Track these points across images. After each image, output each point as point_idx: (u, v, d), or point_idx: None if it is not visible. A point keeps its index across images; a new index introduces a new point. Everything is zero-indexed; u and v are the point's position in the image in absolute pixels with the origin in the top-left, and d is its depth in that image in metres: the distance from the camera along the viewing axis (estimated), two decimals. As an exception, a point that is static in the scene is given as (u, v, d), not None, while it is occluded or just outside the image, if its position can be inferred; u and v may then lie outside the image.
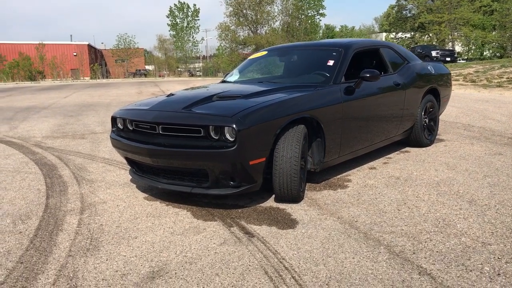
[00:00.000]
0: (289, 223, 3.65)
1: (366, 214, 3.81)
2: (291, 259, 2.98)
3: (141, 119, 4.17)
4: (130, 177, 4.68)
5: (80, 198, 4.50)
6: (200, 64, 70.00)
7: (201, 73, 58.84)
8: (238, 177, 3.80)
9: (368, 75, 4.76)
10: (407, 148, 6.29)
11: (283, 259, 2.99)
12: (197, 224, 3.70)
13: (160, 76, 58.18)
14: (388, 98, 5.38)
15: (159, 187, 4.16)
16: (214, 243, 3.29)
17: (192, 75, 58.37)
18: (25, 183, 5.12)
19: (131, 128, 4.40)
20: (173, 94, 4.74)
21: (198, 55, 75.74)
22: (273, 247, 3.18)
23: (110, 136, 4.61)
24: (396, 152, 6.08)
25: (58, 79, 49.72)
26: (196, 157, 3.74)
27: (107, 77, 55.07)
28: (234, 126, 3.60)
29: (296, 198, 4.05)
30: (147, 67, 71.30)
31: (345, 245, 3.18)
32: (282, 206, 4.07)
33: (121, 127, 4.54)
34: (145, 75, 58.55)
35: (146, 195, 4.54)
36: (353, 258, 2.98)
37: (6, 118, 11.72)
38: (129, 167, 4.73)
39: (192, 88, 5.36)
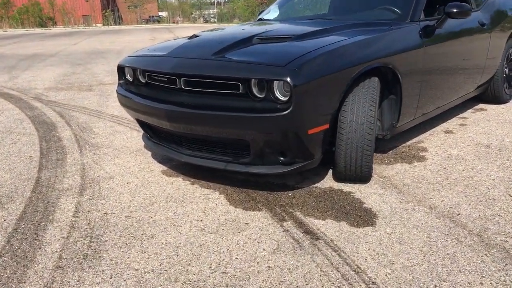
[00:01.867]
0: (363, 216, 2.61)
1: (468, 203, 2.75)
2: (386, 285, 1.96)
3: (157, 69, 3.09)
4: (144, 143, 3.67)
5: (80, 171, 3.50)
6: (215, 10, 67.55)
7: (215, 19, 56.71)
8: (291, 151, 2.74)
9: (455, 10, 3.56)
10: (481, 105, 5.14)
11: (373, 283, 1.98)
12: (235, 215, 2.68)
13: (173, 22, 56.17)
14: (472, 43, 4.19)
15: (181, 160, 3.13)
16: (264, 250, 2.29)
17: (206, 21, 56.29)
18: (15, 148, 4.14)
19: (143, 81, 3.33)
20: (197, 36, 3.61)
21: (212, 0, 73.05)
22: (352, 260, 2.16)
23: (117, 91, 3.55)
24: (470, 111, 4.93)
25: (70, 25, 48.21)
26: (231, 123, 2.69)
27: (119, 24, 53.35)
28: (288, 79, 2.50)
29: (366, 177, 3.00)
30: (160, 13, 69.04)
31: (459, 258, 2.15)
32: (346, 187, 3.03)
33: (131, 80, 3.47)
34: (159, 22, 56.59)
35: (165, 168, 3.53)
36: (481, 284, 1.95)
37: (8, 66, 10.68)
38: (142, 131, 3.69)
39: (222, 29, 4.20)
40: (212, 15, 64.46)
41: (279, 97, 2.62)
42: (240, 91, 2.71)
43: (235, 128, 2.71)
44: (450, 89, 4.01)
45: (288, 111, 2.53)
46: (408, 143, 3.93)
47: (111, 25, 49.44)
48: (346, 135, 2.83)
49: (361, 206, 2.74)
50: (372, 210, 2.68)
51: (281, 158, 2.80)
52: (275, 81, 2.61)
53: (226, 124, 2.72)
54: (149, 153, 3.89)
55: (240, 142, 2.83)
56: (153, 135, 3.47)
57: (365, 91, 2.89)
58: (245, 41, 3.08)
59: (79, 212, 2.79)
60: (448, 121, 4.55)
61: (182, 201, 2.91)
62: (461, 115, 4.71)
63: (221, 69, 2.77)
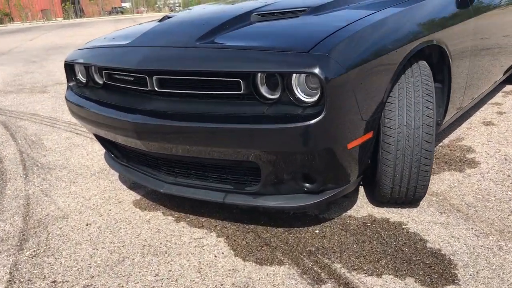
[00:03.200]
0: (434, 265, 1.79)
1: None
2: None
3: (118, 65, 2.17)
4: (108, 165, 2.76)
5: (23, 209, 2.57)
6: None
7: (180, 7, 55.10)
8: (321, 175, 1.88)
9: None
10: (508, 87, 4.37)
11: None
12: (246, 274, 1.82)
13: (137, 12, 54.37)
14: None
15: (161, 191, 2.23)
16: None
17: (172, 10, 54.63)
18: None
19: (100, 83, 2.41)
20: (170, 17, 2.69)
21: (177, -12, 71.15)
22: None
23: (66, 98, 2.61)
24: (500, 94, 4.16)
25: (28, 21, 45.93)
26: (230, 140, 1.83)
27: (81, 17, 51.21)
28: (317, 71, 1.64)
29: (420, 199, 2.17)
30: (123, 4, 66.82)
31: None
32: (391, 214, 2.20)
33: (84, 81, 2.54)
34: (122, 13, 54.66)
35: (138, 197, 2.63)
36: None
37: (-48, 68, 9.46)
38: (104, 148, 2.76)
39: (203, 7, 3.24)
40: (177, 4, 62.75)
41: (301, 97, 1.76)
42: (242, 91, 1.83)
43: (236, 146, 1.84)
44: (491, 72, 3.21)
45: (319, 118, 1.67)
46: (446, 141, 3.13)
47: (72, 19, 47.40)
48: (394, 145, 1.99)
49: (424, 247, 1.91)
50: (443, 252, 1.86)
51: (306, 184, 1.94)
52: (293, 75, 1.74)
53: (221, 140, 1.84)
54: (116, 175, 2.98)
55: (244, 165, 1.96)
56: (120, 155, 2.56)
57: (416, 82, 2.05)
58: (240, 18, 2.19)
59: (14, 282, 1.88)
60: (481, 109, 3.77)
61: (166, 252, 2.03)
62: (492, 101, 3.94)
63: (211, 60, 1.88)
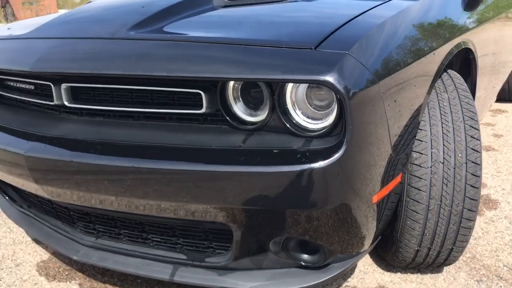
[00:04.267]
0: None
1: None
2: None
3: (8, 66, 1.40)
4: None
5: None
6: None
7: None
8: (328, 242, 1.19)
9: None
10: (496, 105, 3.89)
11: None
12: None
13: (76, 21, 52.16)
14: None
15: (73, 258, 1.46)
16: None
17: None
18: None
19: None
20: (91, 1, 1.92)
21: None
22: None
23: None
24: (488, 113, 3.67)
25: (-47, 25, 42.75)
26: (182, 190, 1.12)
27: (11, 21, 48.39)
28: (331, 79, 0.97)
29: (449, 263, 1.54)
30: (60, 10, 64.12)
31: None
32: (410, 285, 1.55)
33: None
34: (59, 20, 52.28)
35: (45, 256, 1.83)
36: None
37: None
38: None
39: None
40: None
41: (302, 122, 1.10)
42: (204, 110, 1.14)
43: (192, 199, 1.13)
44: (497, 88, 2.69)
45: (335, 157, 1.00)
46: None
47: (1, 23, 44.70)
48: (426, 191, 1.35)
49: None
50: None
51: (304, 256, 1.25)
52: (288, 86, 1.07)
53: (167, 190, 1.13)
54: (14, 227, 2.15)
55: (206, 225, 1.25)
56: (18, 198, 1.76)
57: (453, 99, 1.43)
58: (197, 2, 1.48)
59: None
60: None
61: None
62: (483, 121, 3.43)
63: (151, 59, 1.18)
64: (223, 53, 1.11)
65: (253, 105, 1.18)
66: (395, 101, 1.12)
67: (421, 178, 1.35)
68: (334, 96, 1.02)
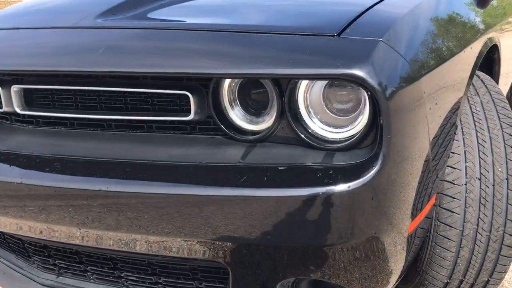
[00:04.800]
0: None
1: None
2: None
3: None
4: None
5: None
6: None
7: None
8: (348, 281, 0.93)
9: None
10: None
11: None
12: None
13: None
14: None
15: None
16: None
17: None
18: None
19: None
20: None
21: None
22: None
23: None
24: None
25: None
26: (164, 219, 0.86)
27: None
28: (363, 74, 0.73)
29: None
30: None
31: None
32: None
33: None
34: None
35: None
36: None
37: None
38: None
39: None
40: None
41: (320, 131, 0.84)
42: (192, 117, 0.88)
43: (178, 232, 0.87)
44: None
45: (369, 176, 0.76)
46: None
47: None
48: (461, 213, 1.12)
49: None
50: None
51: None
52: (302, 84, 0.82)
53: (145, 220, 0.87)
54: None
55: (195, 262, 0.99)
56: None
57: (487, 103, 1.21)
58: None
59: None
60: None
61: None
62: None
63: (125, 51, 0.91)
64: (217, 43, 0.87)
65: (254, 110, 0.93)
66: (436, 103, 0.88)
67: (454, 198, 1.12)
68: (365, 96, 0.78)
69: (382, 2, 0.92)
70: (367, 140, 0.81)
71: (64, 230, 0.98)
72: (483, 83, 1.28)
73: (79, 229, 0.94)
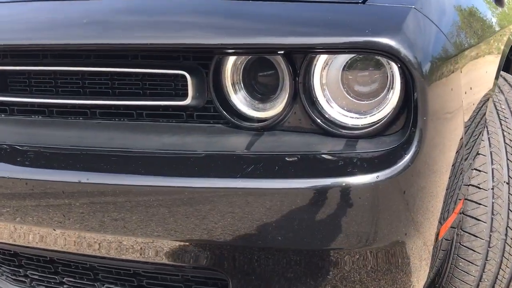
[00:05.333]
0: None
1: None
2: None
3: None
4: None
5: None
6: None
7: None
8: None
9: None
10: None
11: None
12: None
13: None
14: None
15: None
16: None
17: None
18: None
19: None
20: None
21: None
22: None
23: None
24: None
25: None
26: (154, 216, 0.73)
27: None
28: (396, 45, 0.61)
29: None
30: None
31: None
32: None
33: None
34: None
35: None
36: None
37: None
38: None
39: None
40: None
41: (340, 118, 0.72)
42: (189, 102, 0.77)
43: (169, 233, 0.73)
44: None
45: (402, 165, 0.65)
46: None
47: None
48: (487, 222, 1.01)
49: None
50: None
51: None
52: (319, 59, 0.71)
53: (132, 219, 0.73)
54: None
55: (188, 272, 0.85)
56: None
57: (511, 97, 1.11)
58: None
59: None
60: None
61: None
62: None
63: (112, 22, 0.80)
64: (219, 9, 0.74)
65: (261, 94, 0.81)
66: (471, 88, 0.77)
67: (480, 204, 1.00)
68: (393, 73, 0.66)
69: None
70: (396, 125, 0.70)
71: (38, 232, 0.84)
72: (506, 80, 1.18)
73: (55, 230, 0.81)
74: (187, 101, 0.79)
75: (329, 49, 0.69)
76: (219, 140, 0.77)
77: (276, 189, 0.66)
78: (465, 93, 0.75)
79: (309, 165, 0.68)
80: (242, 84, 0.81)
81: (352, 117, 0.74)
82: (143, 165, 0.74)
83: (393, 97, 0.69)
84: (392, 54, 0.63)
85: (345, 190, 0.64)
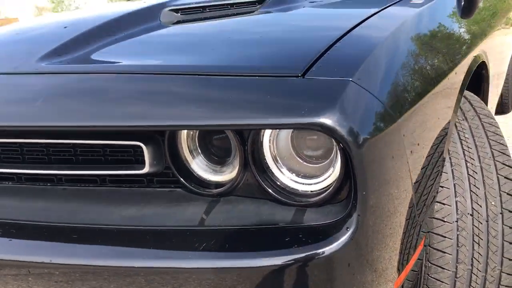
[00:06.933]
0: None
1: None
2: None
3: None
4: None
5: None
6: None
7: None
8: None
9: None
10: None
11: None
12: None
13: None
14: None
15: None
16: None
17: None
18: None
19: None
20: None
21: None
22: None
23: None
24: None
25: None
26: None
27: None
28: (331, 122, 0.64)
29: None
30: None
31: None
32: None
33: None
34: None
35: None
36: None
37: None
38: None
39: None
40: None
41: (291, 184, 0.77)
42: (147, 170, 0.79)
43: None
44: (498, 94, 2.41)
45: (343, 240, 0.67)
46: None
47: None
48: (453, 254, 1.03)
49: None
50: None
51: None
52: (265, 133, 0.72)
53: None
54: None
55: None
56: None
57: (476, 128, 1.12)
58: (139, 17, 1.13)
59: None
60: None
61: None
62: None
63: (66, 103, 0.81)
64: (164, 88, 0.76)
65: (218, 157, 0.83)
66: (418, 144, 0.79)
67: (445, 237, 1.02)
68: (340, 147, 0.68)
69: (354, 31, 0.83)
70: (341, 194, 0.72)
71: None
72: (471, 105, 1.19)
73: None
74: (145, 169, 0.81)
75: (270, 128, 0.71)
76: (176, 210, 0.79)
77: (223, 268, 0.68)
78: (411, 152, 0.76)
79: (257, 241, 0.70)
80: (199, 149, 0.83)
81: (303, 183, 0.76)
82: (101, 241, 0.76)
83: (336, 168, 0.71)
84: (329, 131, 0.65)
85: (290, 268, 0.66)
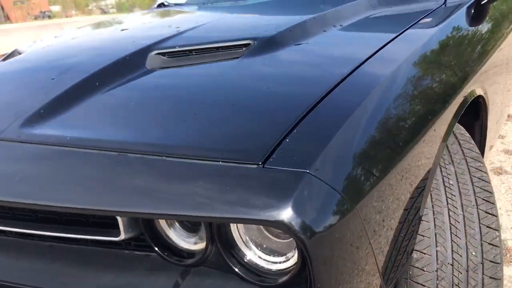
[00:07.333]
0: None
1: None
2: None
3: None
4: None
5: None
6: (113, 0, 63.04)
7: (115, 9, 52.83)
8: None
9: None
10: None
11: None
12: None
13: (67, 16, 51.49)
14: None
15: None
16: None
17: (104, 12, 52.18)
18: None
19: None
20: (19, 53, 1.56)
21: (110, -10, 68.37)
22: None
23: None
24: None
25: None
26: None
27: (6, 22, 47.79)
28: (286, 219, 0.67)
29: None
30: (52, 7, 63.22)
31: None
32: None
33: None
34: (50, 17, 51.51)
35: None
36: None
37: None
38: None
39: (93, 29, 1.96)
40: (110, 6, 60.38)
41: (256, 261, 0.80)
42: (123, 237, 0.84)
43: None
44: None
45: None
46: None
47: (-6, 25, 44.21)
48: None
49: None
50: None
51: None
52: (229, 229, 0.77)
53: None
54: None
55: None
56: None
57: (461, 173, 1.12)
58: (125, 67, 1.14)
59: None
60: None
61: None
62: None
63: (37, 182, 0.85)
64: (123, 169, 0.79)
65: (191, 224, 0.86)
66: (383, 220, 0.79)
67: (424, 286, 1.04)
68: (296, 240, 0.69)
69: (318, 107, 0.82)
70: (303, 278, 0.74)
71: None
72: (460, 146, 1.17)
73: None
74: (120, 237, 0.85)
75: (228, 222, 0.73)
76: (148, 279, 0.83)
77: None
78: (374, 231, 0.77)
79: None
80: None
81: (267, 261, 0.78)
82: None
83: (294, 257, 0.73)
84: (284, 228, 0.67)
85: None
